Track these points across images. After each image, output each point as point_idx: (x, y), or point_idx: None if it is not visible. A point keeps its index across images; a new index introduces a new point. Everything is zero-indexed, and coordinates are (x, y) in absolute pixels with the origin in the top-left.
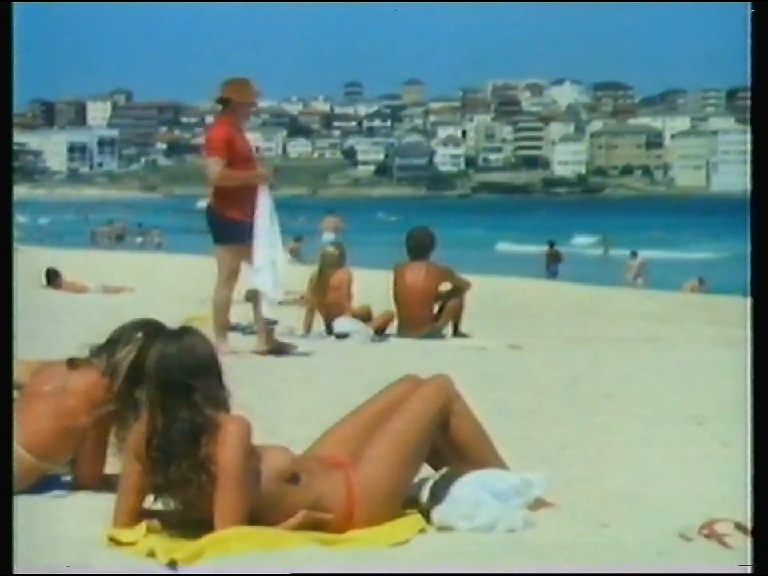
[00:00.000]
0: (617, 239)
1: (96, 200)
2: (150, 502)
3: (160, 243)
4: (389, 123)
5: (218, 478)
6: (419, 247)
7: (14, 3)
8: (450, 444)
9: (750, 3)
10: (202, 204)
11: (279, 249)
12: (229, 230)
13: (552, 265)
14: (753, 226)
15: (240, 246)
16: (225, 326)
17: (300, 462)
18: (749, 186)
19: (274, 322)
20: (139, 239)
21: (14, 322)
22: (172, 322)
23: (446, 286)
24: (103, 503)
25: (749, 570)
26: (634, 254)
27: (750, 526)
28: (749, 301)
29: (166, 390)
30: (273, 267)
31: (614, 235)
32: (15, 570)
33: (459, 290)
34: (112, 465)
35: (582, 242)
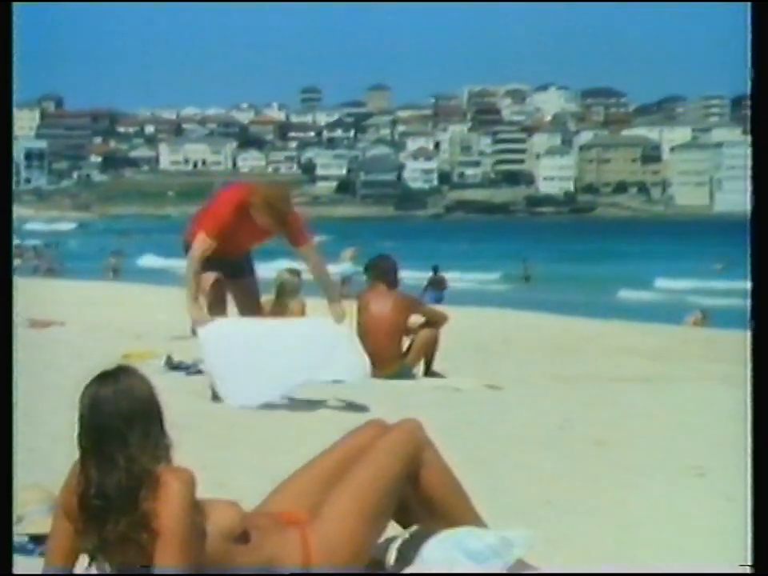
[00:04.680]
0: (539, 269)
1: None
2: (83, 566)
3: (51, 268)
4: (352, 134)
5: (157, 538)
6: (384, 275)
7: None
8: (419, 498)
9: (749, 4)
10: (31, 226)
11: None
12: None
13: (434, 291)
14: (753, 248)
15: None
16: (196, 297)
17: (250, 519)
18: (748, 207)
19: None
20: (34, 263)
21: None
22: (106, 359)
23: (417, 319)
24: (32, 568)
25: (749, 570)
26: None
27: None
28: (748, 335)
29: (100, 437)
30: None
31: (535, 264)
32: (15, 570)
33: (433, 323)
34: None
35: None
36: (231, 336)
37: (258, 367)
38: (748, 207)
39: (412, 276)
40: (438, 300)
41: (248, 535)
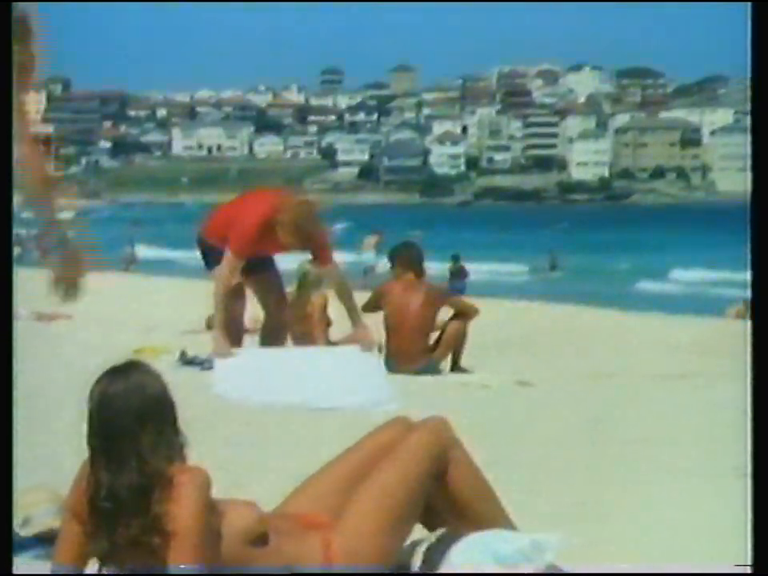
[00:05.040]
0: (566, 259)
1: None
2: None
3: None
4: (374, 117)
5: (170, 540)
6: (412, 264)
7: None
8: (446, 500)
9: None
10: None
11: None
12: (210, 255)
13: (456, 281)
14: (753, 236)
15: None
16: (223, 322)
17: (269, 521)
18: (748, 190)
19: None
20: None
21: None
22: (117, 354)
23: (445, 312)
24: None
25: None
26: None
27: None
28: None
29: (110, 436)
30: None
31: (563, 253)
32: (15, 570)
33: (464, 316)
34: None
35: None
36: (249, 373)
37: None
38: None
39: (437, 267)
40: (460, 290)
41: (266, 538)
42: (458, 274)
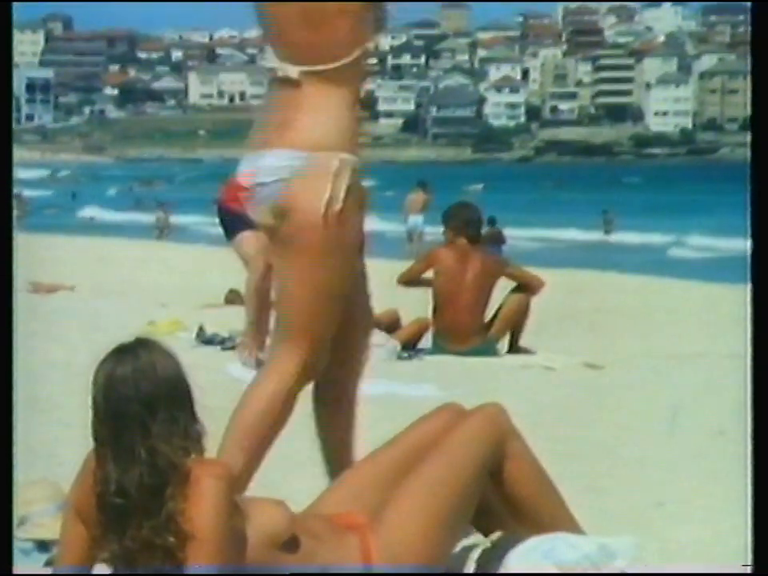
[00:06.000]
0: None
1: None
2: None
3: (20, 215)
4: (422, 60)
5: (188, 545)
6: (467, 228)
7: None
8: (503, 498)
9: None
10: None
11: None
12: (230, 222)
13: (493, 247)
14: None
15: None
16: (253, 328)
17: (301, 523)
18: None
19: None
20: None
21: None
22: (125, 331)
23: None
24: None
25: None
26: None
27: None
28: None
29: (118, 425)
30: None
31: (616, 213)
32: (15, 570)
33: (528, 288)
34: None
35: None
36: None
37: None
38: None
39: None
40: None
41: (298, 541)
42: (494, 239)
